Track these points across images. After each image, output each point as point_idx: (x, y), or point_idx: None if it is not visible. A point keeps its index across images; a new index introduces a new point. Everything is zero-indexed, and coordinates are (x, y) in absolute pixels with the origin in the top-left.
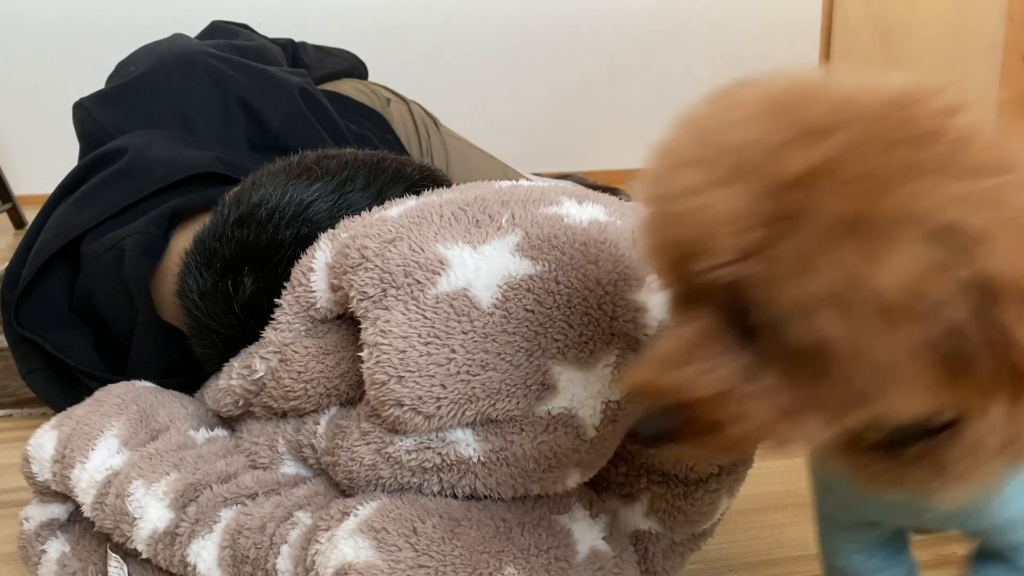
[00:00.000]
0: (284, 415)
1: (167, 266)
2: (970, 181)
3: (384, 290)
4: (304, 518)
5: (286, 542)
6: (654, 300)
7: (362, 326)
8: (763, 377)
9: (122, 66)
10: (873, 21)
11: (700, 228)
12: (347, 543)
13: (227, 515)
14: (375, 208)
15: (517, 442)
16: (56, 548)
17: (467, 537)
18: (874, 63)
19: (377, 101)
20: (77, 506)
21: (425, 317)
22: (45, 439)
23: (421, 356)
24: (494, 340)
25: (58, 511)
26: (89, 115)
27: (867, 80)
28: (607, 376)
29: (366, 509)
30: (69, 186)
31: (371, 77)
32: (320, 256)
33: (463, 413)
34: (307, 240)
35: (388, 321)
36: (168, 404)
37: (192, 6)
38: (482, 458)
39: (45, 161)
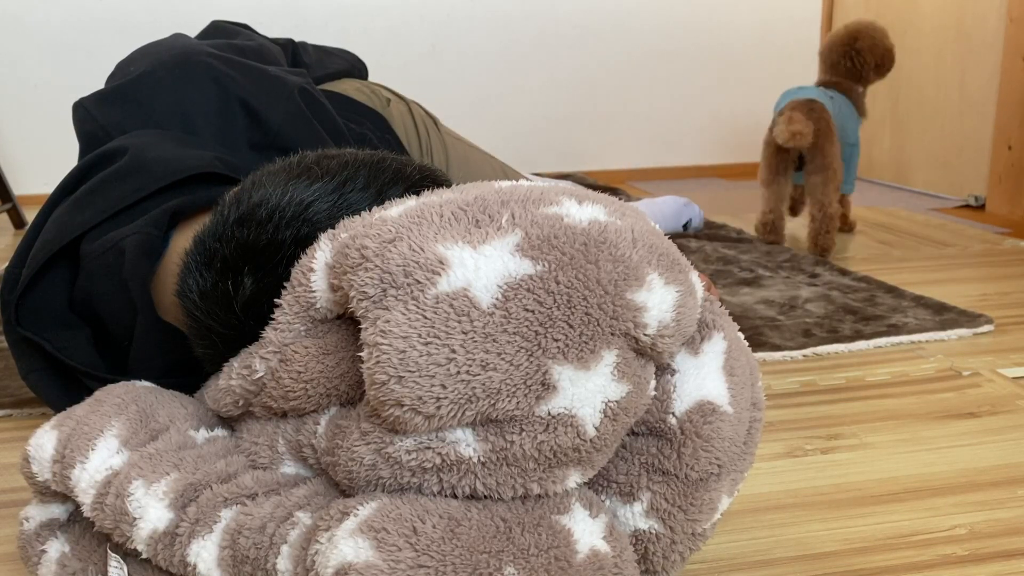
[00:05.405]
0: (284, 415)
1: (167, 266)
2: None
3: (384, 290)
4: (304, 518)
5: (286, 542)
6: (654, 300)
7: (362, 326)
8: None
9: (122, 66)
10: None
11: None
12: (347, 543)
13: (227, 515)
14: (375, 208)
15: (517, 442)
16: (56, 548)
17: (467, 537)
18: None
19: (377, 101)
20: (77, 506)
21: (425, 317)
22: (45, 439)
23: (421, 356)
24: (494, 340)
25: (58, 511)
26: (88, 115)
27: None
28: (607, 376)
29: (366, 509)
30: (69, 186)
31: (371, 77)
32: (320, 256)
33: (463, 413)
34: (307, 240)
35: (388, 321)
36: (168, 404)
37: (192, 6)
38: (482, 458)
39: (45, 161)
